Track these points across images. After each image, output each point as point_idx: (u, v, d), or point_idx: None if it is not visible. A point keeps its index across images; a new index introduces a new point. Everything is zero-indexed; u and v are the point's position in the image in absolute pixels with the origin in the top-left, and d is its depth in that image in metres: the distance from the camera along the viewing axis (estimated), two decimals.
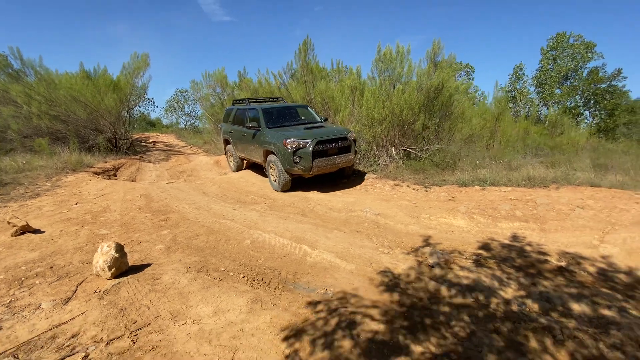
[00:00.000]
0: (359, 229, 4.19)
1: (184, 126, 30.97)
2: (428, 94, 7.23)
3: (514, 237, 4.09)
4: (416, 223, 4.51)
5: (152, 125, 33.13)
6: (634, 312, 2.56)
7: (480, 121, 9.87)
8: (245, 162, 8.02)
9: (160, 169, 10.37)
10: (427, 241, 3.99)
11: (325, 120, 7.08)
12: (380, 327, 2.05)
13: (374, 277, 2.86)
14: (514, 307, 2.60)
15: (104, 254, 2.59)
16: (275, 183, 5.96)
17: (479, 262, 3.41)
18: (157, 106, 57.02)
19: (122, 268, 2.69)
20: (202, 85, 14.13)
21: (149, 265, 2.97)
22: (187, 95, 27.83)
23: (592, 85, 20.90)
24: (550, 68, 25.78)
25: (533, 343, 2.16)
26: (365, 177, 6.70)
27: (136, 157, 11.65)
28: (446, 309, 2.54)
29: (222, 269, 2.91)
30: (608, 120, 20.87)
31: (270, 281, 2.71)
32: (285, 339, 1.84)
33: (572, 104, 24.23)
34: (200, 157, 12.12)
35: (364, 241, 3.74)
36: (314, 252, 3.25)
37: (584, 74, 23.83)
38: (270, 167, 5.99)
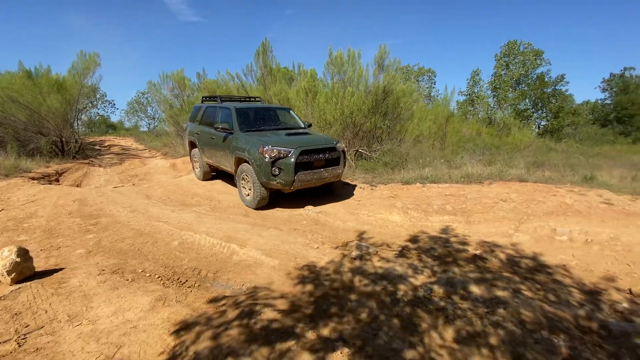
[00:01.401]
0: (297, 226, 4.27)
1: (147, 129, 29.81)
2: (376, 96, 7.50)
3: (442, 230, 4.35)
4: (355, 219, 4.67)
5: (113, 128, 31.56)
6: (527, 293, 2.83)
7: (430, 123, 10.38)
8: (212, 168, 6.85)
9: (111, 174, 9.91)
10: (361, 236, 4.15)
11: (309, 126, 6.33)
12: (278, 316, 2.12)
13: (294, 272, 2.94)
14: (420, 293, 2.77)
15: (3, 259, 2.47)
16: (248, 198, 5.04)
17: (401, 253, 3.60)
18: (117, 108, 54.28)
19: (26, 273, 2.57)
20: (159, 86, 13.70)
21: (60, 269, 2.86)
22: (150, 96, 26.87)
23: (539, 90, 22.56)
24: (504, 73, 27.58)
25: (426, 323, 2.33)
26: None
27: (85, 161, 11.06)
28: (356, 297, 2.67)
29: (140, 270, 2.86)
30: (554, 122, 22.62)
31: (186, 280, 2.70)
32: (175, 332, 1.86)
33: (523, 107, 26.05)
34: (156, 160, 11.71)
35: (298, 238, 3.82)
36: (241, 251, 3.28)
37: (533, 79, 25.72)
38: (243, 179, 5.08)
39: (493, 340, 2.15)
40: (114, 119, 33.65)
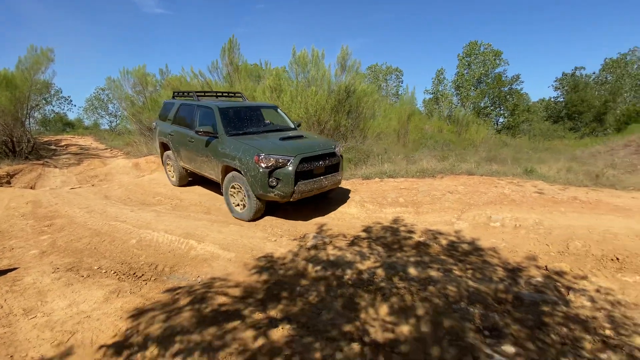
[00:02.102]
0: (258, 222, 4.45)
1: (108, 127, 28.33)
2: (338, 95, 7.78)
3: (394, 220, 4.70)
4: (315, 214, 4.92)
5: (71, 126, 29.68)
6: (457, 272, 3.20)
7: (392, 121, 10.86)
8: (190, 173, 6.15)
9: (68, 174, 9.49)
10: (320, 228, 4.40)
11: (299, 125, 5.82)
12: (229, 301, 2.31)
13: (250, 262, 3.13)
14: (365, 276, 3.06)
15: None
16: (238, 209, 4.53)
17: (354, 242, 3.89)
18: (74, 105, 50.92)
19: None
20: (120, 83, 13.18)
21: (14, 269, 2.86)
22: (111, 93, 25.58)
23: (496, 89, 24.02)
24: (466, 73, 29.06)
25: (365, 301, 2.61)
26: None
27: (39, 162, 10.48)
28: (307, 282, 2.91)
29: (96, 267, 2.92)
30: (510, 119, 24.23)
31: (142, 274, 2.81)
32: (128, 318, 2.00)
33: (484, 105, 27.66)
34: (118, 160, 11.32)
35: (257, 232, 4.01)
36: (199, 246, 3.41)
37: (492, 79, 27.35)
38: (232, 188, 4.55)
39: (420, 312, 2.47)
40: (72, 116, 31.64)
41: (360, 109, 8.19)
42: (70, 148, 15.61)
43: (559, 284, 3.03)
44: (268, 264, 3.17)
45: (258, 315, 2.21)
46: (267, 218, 4.60)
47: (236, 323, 2.00)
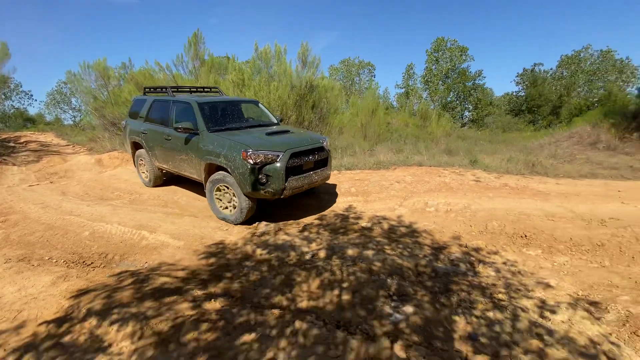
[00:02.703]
0: (214, 214, 4.67)
1: (72, 122, 26.99)
2: (300, 90, 8.04)
3: (345, 208, 5.07)
4: (274, 205, 5.20)
5: (32, 122, 27.98)
6: (388, 251, 3.60)
7: (357, 116, 11.25)
8: (165, 173, 5.90)
9: (27, 172, 9.17)
10: (275, 217, 4.70)
11: (282, 120, 5.70)
12: (171, 280, 2.56)
13: (198, 249, 3.38)
14: (307, 257, 3.39)
15: None
16: (227, 211, 4.33)
17: (304, 228, 4.22)
18: (35, 99, 47.78)
19: None
20: (80, 77, 12.71)
21: None
22: (73, 86, 24.34)
23: (461, 84, 25.09)
24: (434, 68, 30.06)
25: (301, 278, 2.94)
26: None
27: None
28: (251, 264, 3.20)
29: (47, 258, 3.07)
30: (474, 113, 25.44)
31: (92, 262, 2.99)
32: (71, 297, 2.21)
33: (450, 100, 28.80)
34: (80, 156, 11.01)
35: (211, 223, 4.24)
36: (150, 236, 3.61)
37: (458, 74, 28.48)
38: (218, 190, 4.34)
39: (345, 284, 2.83)
40: (33, 111, 29.79)
41: (322, 104, 8.49)
42: (30, 145, 14.89)
43: (473, 258, 3.50)
44: (217, 250, 3.43)
45: (197, 292, 2.48)
46: None
47: (174, 298, 2.27)
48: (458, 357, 1.89)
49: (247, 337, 1.87)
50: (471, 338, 2.23)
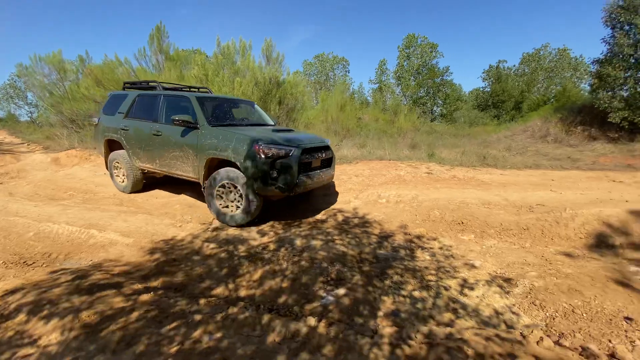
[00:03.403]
0: (170, 210, 4.68)
1: (28, 118, 25.36)
2: (264, 86, 8.08)
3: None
4: None
5: None
6: (337, 241, 3.80)
7: (327, 111, 11.44)
8: (146, 175, 5.34)
9: None
10: None
11: (277, 124, 5.60)
12: (109, 276, 2.62)
13: (147, 246, 3.42)
14: (256, 250, 3.52)
15: None
16: (231, 212, 4.09)
17: (256, 223, 4.34)
18: None
19: None
20: (33, 70, 12.02)
21: None
22: (27, 80, 22.83)
23: (429, 80, 25.90)
24: (405, 64, 30.80)
25: (246, 269, 3.07)
26: None
27: None
28: (199, 258, 3.29)
29: None
30: (443, 108, 26.38)
31: (33, 262, 2.97)
32: (3, 296, 2.22)
33: (422, 95, 29.66)
34: (34, 155, 10.47)
35: (165, 220, 4.26)
36: (99, 234, 3.60)
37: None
38: (222, 187, 4.07)
39: (287, 273, 2.99)
40: None
41: (285, 100, 8.57)
42: None
43: (414, 244, 3.77)
44: (165, 245, 3.49)
45: (136, 286, 2.55)
46: (179, 207, 4.82)
47: (109, 292, 2.33)
48: (370, 330, 2.10)
49: (177, 324, 1.99)
50: (394, 314, 2.46)
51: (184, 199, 5.16)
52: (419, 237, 3.97)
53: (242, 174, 3.90)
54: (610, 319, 2.33)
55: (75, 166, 8.10)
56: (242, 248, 3.53)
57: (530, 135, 12.81)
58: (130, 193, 5.38)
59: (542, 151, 9.89)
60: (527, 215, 4.19)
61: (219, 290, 2.68)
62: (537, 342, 1.89)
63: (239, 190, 3.98)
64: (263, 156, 3.75)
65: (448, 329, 2.09)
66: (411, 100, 27.26)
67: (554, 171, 6.63)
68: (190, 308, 2.23)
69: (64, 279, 2.48)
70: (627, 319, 2.35)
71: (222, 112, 4.90)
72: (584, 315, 2.37)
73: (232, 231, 3.98)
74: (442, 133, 16.64)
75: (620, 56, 10.62)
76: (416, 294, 2.78)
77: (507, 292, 2.75)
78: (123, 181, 5.42)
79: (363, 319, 2.31)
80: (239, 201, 4.05)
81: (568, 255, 3.45)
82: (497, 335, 1.93)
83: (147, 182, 5.50)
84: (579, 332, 2.20)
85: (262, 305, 2.39)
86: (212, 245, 3.54)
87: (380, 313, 2.46)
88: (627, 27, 10.92)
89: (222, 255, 3.36)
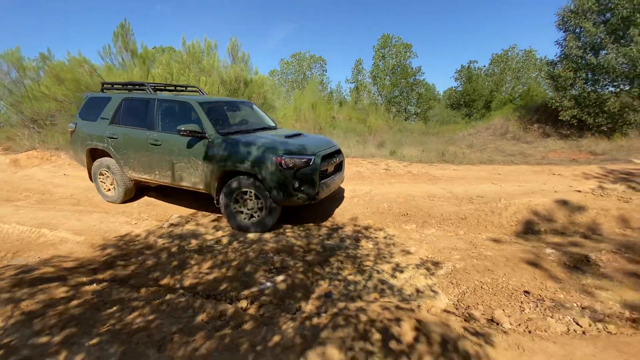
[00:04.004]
0: (127, 209, 4.73)
1: None
2: (230, 85, 8.17)
3: None
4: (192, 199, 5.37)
5: None
6: (288, 233, 4.01)
7: (300, 110, 11.63)
8: (138, 185, 4.90)
9: None
10: (191, 210, 4.89)
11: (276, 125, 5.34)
12: (54, 270, 2.72)
13: (98, 242, 3.50)
14: (209, 244, 3.67)
15: None
16: (254, 221, 3.95)
17: (217, 219, 4.48)
18: None
19: None
20: None
21: None
22: None
23: (402, 80, 26.61)
24: (381, 64, 31.42)
25: (195, 261, 3.23)
26: None
27: None
28: (151, 252, 3.41)
29: None
30: (416, 107, 27.17)
31: None
32: None
33: (396, 95, 30.38)
34: None
35: (120, 218, 4.33)
36: (50, 233, 3.64)
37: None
38: (240, 198, 3.95)
39: (234, 263, 3.17)
40: None
41: (252, 99, 8.70)
42: None
43: (360, 235, 4.03)
44: (118, 242, 3.58)
45: (81, 279, 2.66)
46: (136, 205, 4.86)
47: (53, 284, 2.43)
48: (294, 309, 2.33)
49: (114, 309, 2.13)
50: (326, 296, 2.70)
51: (144, 199, 5.21)
52: (366, 228, 4.23)
53: (261, 184, 3.81)
54: (512, 293, 2.68)
55: (35, 167, 7.89)
56: (194, 242, 3.67)
57: (492, 132, 13.52)
58: (120, 202, 4.94)
59: (500, 148, 10.50)
60: (466, 206, 4.55)
61: (165, 281, 2.83)
62: (428, 310, 2.17)
63: (261, 200, 3.89)
64: (285, 167, 3.67)
65: (360, 304, 2.34)
66: (386, 100, 27.89)
67: (505, 166, 7.13)
68: (131, 296, 2.37)
69: (8, 274, 2.55)
70: (526, 292, 2.70)
71: (225, 116, 4.65)
72: (490, 290, 2.70)
73: (188, 226, 4.11)
74: (412, 131, 17.21)
75: (570, 58, 11.42)
76: (351, 277, 3.03)
77: (432, 274, 3.05)
78: (112, 192, 4.93)
79: (294, 301, 2.53)
80: (256, 211, 3.97)
81: (496, 240, 3.82)
82: (397, 306, 2.21)
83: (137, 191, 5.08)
84: (482, 304, 2.52)
85: (201, 292, 2.57)
86: (164, 241, 3.66)
87: (314, 295, 2.69)
88: (577, 30, 11.77)
89: (174, 249, 3.49)
